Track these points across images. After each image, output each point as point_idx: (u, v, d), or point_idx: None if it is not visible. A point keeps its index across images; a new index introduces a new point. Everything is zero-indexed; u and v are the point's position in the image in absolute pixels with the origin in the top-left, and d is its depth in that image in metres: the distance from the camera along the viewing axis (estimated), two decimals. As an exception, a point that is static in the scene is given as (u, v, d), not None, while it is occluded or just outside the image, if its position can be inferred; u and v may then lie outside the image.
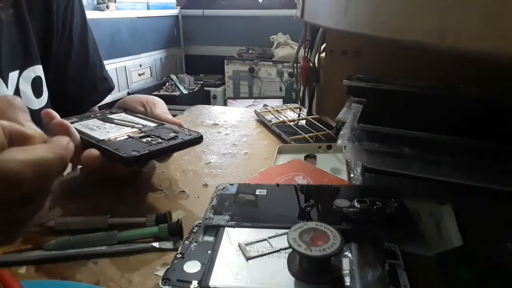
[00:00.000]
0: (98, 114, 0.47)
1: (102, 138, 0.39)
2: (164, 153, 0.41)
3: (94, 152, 0.36)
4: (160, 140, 0.39)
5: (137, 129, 0.42)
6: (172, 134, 0.40)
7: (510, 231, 0.32)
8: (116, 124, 0.44)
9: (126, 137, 0.40)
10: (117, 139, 0.39)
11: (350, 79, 0.54)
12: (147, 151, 0.36)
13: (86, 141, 0.38)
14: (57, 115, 0.36)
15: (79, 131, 0.39)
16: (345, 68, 0.59)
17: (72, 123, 0.42)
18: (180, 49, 3.34)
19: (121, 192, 0.42)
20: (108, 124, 0.44)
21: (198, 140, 0.40)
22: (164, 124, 0.44)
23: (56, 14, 0.53)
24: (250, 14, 3.06)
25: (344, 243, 0.26)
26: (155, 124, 0.44)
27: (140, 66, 2.83)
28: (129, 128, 0.42)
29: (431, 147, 0.37)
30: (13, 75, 0.48)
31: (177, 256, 0.29)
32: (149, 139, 0.39)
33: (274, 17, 2.95)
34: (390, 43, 0.19)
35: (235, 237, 0.31)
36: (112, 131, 0.41)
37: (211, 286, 0.26)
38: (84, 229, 0.33)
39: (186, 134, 0.41)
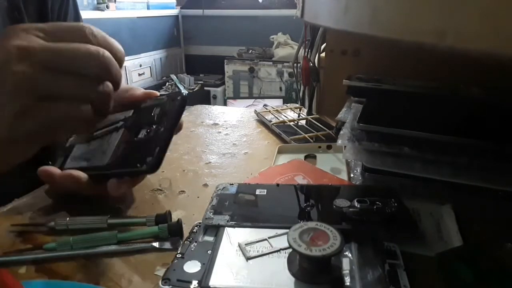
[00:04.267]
0: (72, 139, 0.42)
1: (106, 163, 0.35)
2: (170, 137, 0.34)
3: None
4: (154, 126, 0.34)
5: (123, 128, 0.37)
6: (158, 111, 0.35)
7: (510, 231, 0.32)
8: (100, 137, 0.39)
9: (125, 145, 0.35)
10: (118, 153, 0.35)
11: (350, 79, 0.54)
12: (158, 148, 0.32)
13: (96, 175, 0.36)
14: (55, 172, 0.37)
15: (81, 169, 0.36)
16: (345, 68, 0.59)
17: (62, 167, 0.39)
18: (180, 49, 3.34)
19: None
20: (93, 142, 0.39)
21: (185, 100, 0.35)
22: (140, 104, 0.38)
23: (51, 14, 0.53)
24: (250, 14, 3.06)
25: (344, 243, 0.26)
26: (131, 111, 0.38)
27: (140, 66, 2.84)
28: (114, 132, 0.37)
29: (431, 147, 0.37)
30: None
31: (177, 256, 0.29)
32: (144, 132, 0.35)
33: (274, 17, 2.95)
34: (390, 43, 0.19)
35: (235, 237, 0.31)
36: (105, 148, 0.37)
37: (211, 286, 0.26)
38: (84, 229, 0.33)
39: (171, 101, 0.35)
